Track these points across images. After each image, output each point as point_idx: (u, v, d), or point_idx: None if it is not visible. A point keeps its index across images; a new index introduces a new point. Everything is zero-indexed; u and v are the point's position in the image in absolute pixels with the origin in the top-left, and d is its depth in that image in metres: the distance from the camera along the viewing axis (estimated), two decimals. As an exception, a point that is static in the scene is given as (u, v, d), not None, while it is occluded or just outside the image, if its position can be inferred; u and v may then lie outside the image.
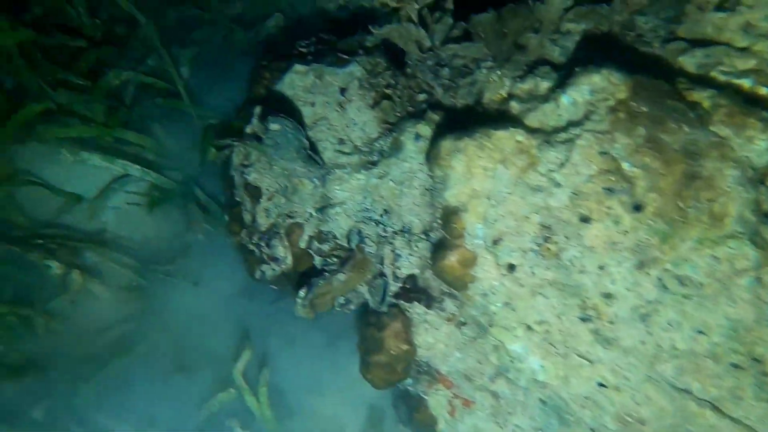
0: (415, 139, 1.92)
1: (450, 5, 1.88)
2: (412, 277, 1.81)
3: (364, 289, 1.91)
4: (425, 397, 1.77)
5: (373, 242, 1.91)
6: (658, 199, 1.36)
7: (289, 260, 1.97)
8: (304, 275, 1.92)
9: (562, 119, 1.59)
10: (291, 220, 1.98)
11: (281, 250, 1.97)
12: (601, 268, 1.43)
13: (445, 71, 2.01)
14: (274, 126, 1.81)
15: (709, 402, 1.36)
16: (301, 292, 1.74)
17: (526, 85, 1.77)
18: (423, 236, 1.87)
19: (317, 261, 1.94)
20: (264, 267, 2.07)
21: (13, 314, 1.93)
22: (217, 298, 2.23)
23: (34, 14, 2.61)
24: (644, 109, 1.40)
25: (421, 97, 2.09)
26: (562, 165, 1.49)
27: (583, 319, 1.48)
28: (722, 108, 1.40)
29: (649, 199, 1.37)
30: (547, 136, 1.57)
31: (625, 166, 1.40)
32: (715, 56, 1.52)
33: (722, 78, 1.50)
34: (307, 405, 2.01)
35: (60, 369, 1.99)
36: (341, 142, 2.08)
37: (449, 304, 1.70)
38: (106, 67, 2.53)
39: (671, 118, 1.37)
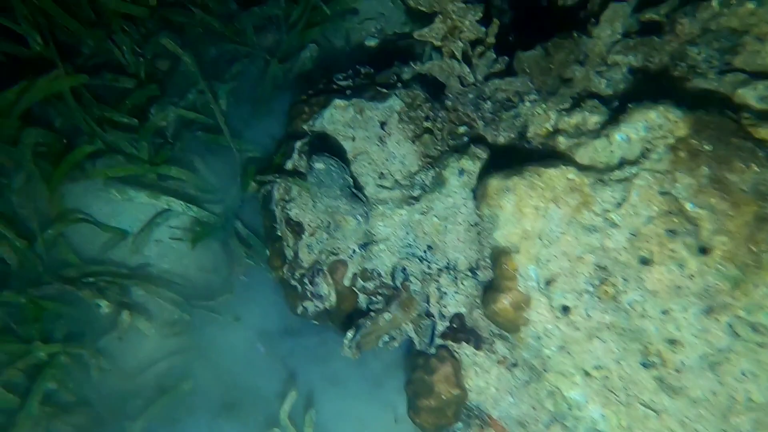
0: (458, 174, 1.90)
1: (492, 39, 1.87)
2: (459, 317, 1.78)
3: (409, 326, 1.88)
4: (475, 441, 1.72)
5: (418, 280, 1.88)
6: (727, 243, 1.29)
7: (333, 298, 1.96)
8: (350, 316, 1.90)
9: (614, 156, 1.55)
10: (334, 257, 1.97)
11: (325, 287, 1.96)
12: (664, 312, 1.37)
13: (487, 104, 2.00)
14: (318, 165, 1.81)
15: (789, 458, 1.27)
16: (349, 334, 1.72)
17: (574, 119, 1.74)
18: (469, 273, 1.83)
19: (362, 299, 1.92)
20: (306, 303, 2.07)
21: (65, 353, 1.97)
22: (259, 334, 2.23)
23: (82, 54, 2.72)
24: (707, 147, 1.35)
25: (462, 129, 2.07)
26: (618, 205, 1.44)
27: (646, 366, 1.41)
28: (792, 145, 1.33)
29: (716, 242, 1.31)
30: (600, 174, 1.53)
31: (688, 207, 1.34)
32: (780, 89, 1.46)
33: (789, 112, 1.44)
34: (353, 446, 1.98)
35: (108, 407, 2.02)
36: (382, 176, 2.08)
37: (500, 346, 1.66)
38: (150, 104, 2.61)
39: (738, 156, 1.31)
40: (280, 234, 2.20)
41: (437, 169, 1.97)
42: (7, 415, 1.95)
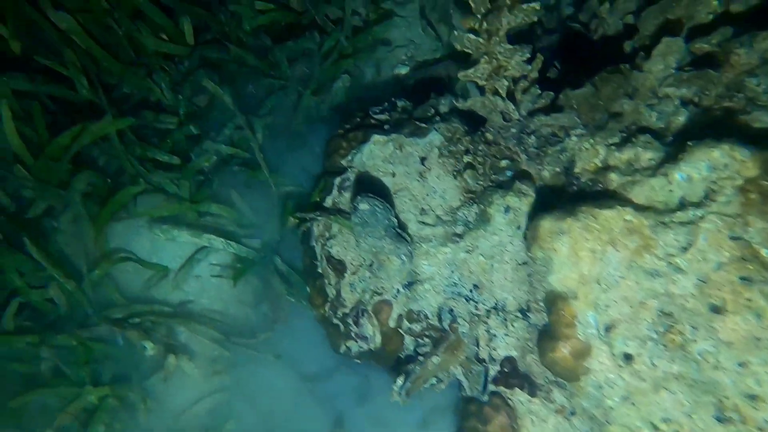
0: (504, 211, 1.86)
1: (535, 74, 1.84)
2: (510, 360, 1.72)
3: (457, 369, 1.83)
4: (532, 491, 1.65)
5: (466, 321, 1.83)
6: (809, 293, 1.21)
7: (378, 339, 1.92)
8: (396, 357, 1.86)
9: (674, 196, 1.49)
10: (378, 297, 1.94)
11: (370, 328, 1.93)
12: (742, 365, 1.29)
13: (531, 138, 1.96)
14: (363, 206, 1.80)
15: None
16: (399, 381, 1.68)
17: (625, 155, 1.68)
18: (519, 315, 1.78)
19: (408, 341, 1.89)
20: (350, 343, 2.04)
21: (114, 396, 1.98)
22: (301, 372, 2.20)
23: (122, 92, 2.80)
24: (781, 190, 1.28)
25: (504, 163, 2.03)
26: (684, 249, 1.38)
27: (721, 420, 1.33)
28: None
29: (796, 291, 1.23)
30: (659, 215, 1.46)
31: (764, 253, 1.27)
32: None
33: None
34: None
35: (154, 448, 2.02)
36: (423, 212, 2.05)
37: (557, 394, 1.59)
38: (190, 141, 2.66)
39: (816, 200, 1.24)
40: (321, 271, 2.18)
41: (481, 205, 1.94)
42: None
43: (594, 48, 2.33)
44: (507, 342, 1.75)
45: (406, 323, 1.88)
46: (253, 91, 2.97)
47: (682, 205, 1.45)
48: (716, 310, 1.32)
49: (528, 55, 1.60)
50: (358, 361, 2.09)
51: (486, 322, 1.80)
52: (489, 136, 2.07)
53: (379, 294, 1.95)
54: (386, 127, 2.26)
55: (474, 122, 2.17)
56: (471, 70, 1.70)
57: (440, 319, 1.84)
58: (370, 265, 2.00)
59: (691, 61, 1.72)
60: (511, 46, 1.60)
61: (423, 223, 2.02)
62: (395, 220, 1.83)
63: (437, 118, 2.22)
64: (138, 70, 2.73)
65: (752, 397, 1.28)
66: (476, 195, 2.01)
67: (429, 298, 1.88)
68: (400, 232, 1.84)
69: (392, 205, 1.89)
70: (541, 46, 2.49)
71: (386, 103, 2.44)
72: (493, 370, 1.73)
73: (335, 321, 2.09)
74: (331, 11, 3.09)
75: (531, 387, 1.64)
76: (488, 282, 1.85)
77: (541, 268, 1.59)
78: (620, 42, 2.08)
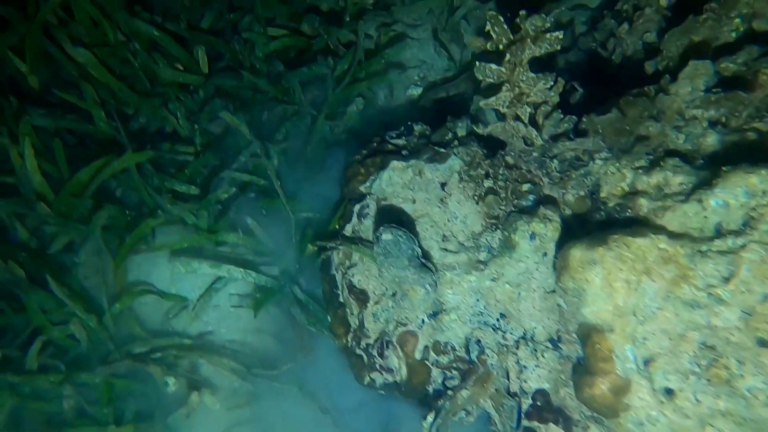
0: (530, 238, 1.82)
1: (556, 98, 1.81)
2: (543, 394, 1.67)
3: (487, 402, 1.77)
4: None
5: (494, 352, 1.79)
6: None
7: (404, 372, 1.88)
8: (423, 390, 1.82)
9: (709, 223, 1.44)
10: (403, 328, 1.91)
11: (395, 360, 1.89)
12: (793, 403, 1.23)
13: (554, 163, 1.92)
14: (386, 236, 1.77)
15: None
16: (429, 418, 1.64)
17: (654, 179, 1.64)
18: (549, 345, 1.73)
19: (435, 373, 1.84)
20: (374, 375, 2.00)
21: (137, 434, 1.96)
22: (324, 404, 2.16)
23: (138, 122, 2.82)
24: (826, 217, 1.23)
25: (526, 187, 2.00)
26: (725, 280, 1.33)
27: (773, 461, 1.27)
28: None
29: None
30: (696, 243, 1.42)
31: (812, 285, 1.22)
32: None
33: None
34: None
35: (178, 487, 1.99)
36: (445, 238, 2.02)
37: (594, 431, 1.53)
38: (207, 170, 2.66)
39: None
40: (342, 301, 2.15)
41: (505, 232, 1.90)
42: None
43: (611, 67, 2.31)
44: (538, 374, 1.70)
45: (432, 355, 1.84)
46: (267, 117, 2.98)
47: (720, 233, 1.40)
48: (765, 344, 1.26)
49: (552, 83, 1.58)
50: (383, 392, 2.04)
51: (515, 353, 1.75)
52: (509, 159, 2.04)
53: (404, 324, 1.91)
54: (404, 152, 2.24)
55: (492, 145, 2.15)
56: (492, 99, 1.68)
57: (468, 351, 1.80)
58: (393, 295, 1.97)
59: (718, 81, 1.68)
60: (534, 75, 1.57)
61: (445, 250, 1.98)
62: (419, 250, 1.80)
63: (455, 142, 2.19)
64: (153, 101, 2.76)
65: (807, 437, 1.22)
66: (499, 220, 1.97)
67: (455, 329, 1.84)
68: (424, 262, 1.81)
69: (415, 234, 1.86)
70: (558, 67, 2.47)
71: (402, 128, 2.42)
72: (525, 403, 1.68)
73: (358, 352, 2.06)
74: (343, 35, 3.11)
75: (566, 422, 1.58)
76: (516, 311, 1.81)
77: (572, 299, 1.55)
78: (640, 62, 2.06)
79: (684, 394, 1.37)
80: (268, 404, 2.22)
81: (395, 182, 2.15)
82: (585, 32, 2.62)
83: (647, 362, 1.41)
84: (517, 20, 1.56)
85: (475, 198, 2.04)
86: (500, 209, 2.00)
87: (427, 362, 1.84)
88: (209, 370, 2.27)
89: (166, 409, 2.08)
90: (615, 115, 1.66)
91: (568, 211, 1.86)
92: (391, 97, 3.17)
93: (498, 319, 1.83)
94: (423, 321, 1.89)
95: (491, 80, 1.60)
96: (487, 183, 2.04)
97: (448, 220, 2.05)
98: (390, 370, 1.92)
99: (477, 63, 1.60)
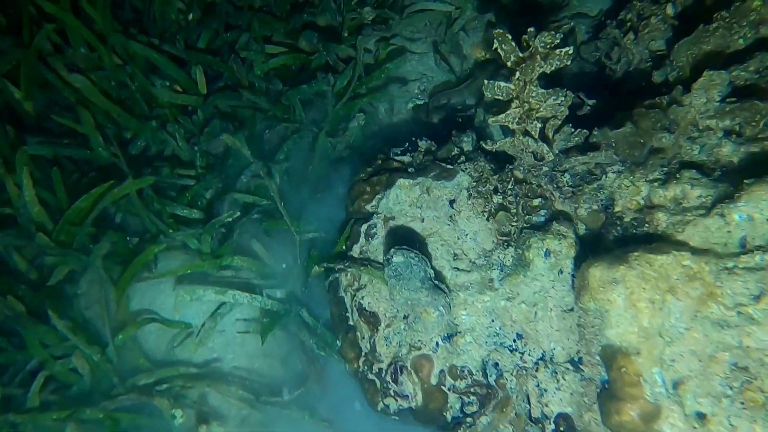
0: (544, 255, 1.77)
1: (565, 112, 1.77)
2: (565, 419, 1.61)
3: (508, 428, 1.71)
4: None
5: (513, 375, 1.73)
6: None
7: (420, 398, 1.82)
8: (445, 421, 1.76)
9: (733, 238, 1.40)
10: (416, 352, 1.85)
11: (410, 386, 1.83)
12: (834, 427, 1.18)
13: (565, 177, 1.88)
14: (397, 258, 1.72)
15: None
16: (449, 448, 1.58)
17: (670, 192, 1.60)
18: (570, 367, 1.67)
19: (452, 398, 1.78)
20: (388, 400, 1.93)
21: (144, 474, 1.89)
22: (338, 430, 2.10)
23: (137, 146, 2.77)
24: None
25: (537, 202, 1.95)
26: (756, 298, 1.28)
27: (815, 487, 1.21)
28: None
29: None
30: (721, 260, 1.37)
31: None
32: None
33: None
34: None
35: None
36: (456, 257, 1.97)
37: (623, 457, 1.47)
38: (209, 192, 2.61)
39: None
40: (352, 324, 2.09)
41: (519, 249, 1.85)
42: None
43: (616, 77, 2.28)
44: (560, 397, 1.64)
45: (449, 380, 1.78)
46: (268, 136, 2.94)
47: (745, 248, 1.36)
48: (800, 365, 1.21)
49: (562, 98, 1.54)
50: (397, 418, 1.98)
51: (535, 376, 1.69)
52: (518, 174, 2.00)
53: (418, 348, 1.85)
54: (410, 169, 2.20)
55: (500, 159, 2.11)
56: (502, 116, 1.64)
57: (485, 374, 1.74)
58: (406, 317, 1.91)
59: (731, 91, 1.65)
60: (544, 91, 1.54)
61: (457, 269, 1.93)
62: (431, 272, 1.75)
63: (462, 158, 2.15)
64: (152, 124, 2.71)
65: None
66: (511, 237, 1.92)
67: (471, 352, 1.78)
68: (437, 283, 1.76)
69: (427, 255, 1.81)
70: (562, 77, 2.44)
71: (407, 144, 2.38)
72: (548, 429, 1.62)
73: (371, 376, 1.99)
74: (342, 51, 3.08)
75: (592, 448, 1.52)
76: (533, 331, 1.75)
77: (594, 320, 1.49)
78: (647, 72, 2.03)
79: (717, 419, 1.31)
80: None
81: (402, 200, 2.11)
82: (587, 41, 2.60)
83: (676, 385, 1.36)
84: (525, 37, 1.53)
85: (485, 214, 1.99)
86: (512, 225, 1.95)
87: (443, 387, 1.78)
88: (217, 399, 2.20)
89: (174, 443, 2.01)
90: (629, 129, 1.63)
91: (582, 227, 1.82)
92: (392, 112, 3.14)
93: (515, 340, 1.77)
94: (437, 344, 1.84)
95: (501, 98, 1.56)
96: (497, 199, 2.00)
97: (459, 238, 2.00)
98: (405, 396, 1.85)
99: (486, 81, 1.56)
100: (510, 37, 1.52)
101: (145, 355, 2.28)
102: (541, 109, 1.64)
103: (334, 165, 2.85)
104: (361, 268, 2.02)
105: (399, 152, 2.36)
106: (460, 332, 1.82)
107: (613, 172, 1.78)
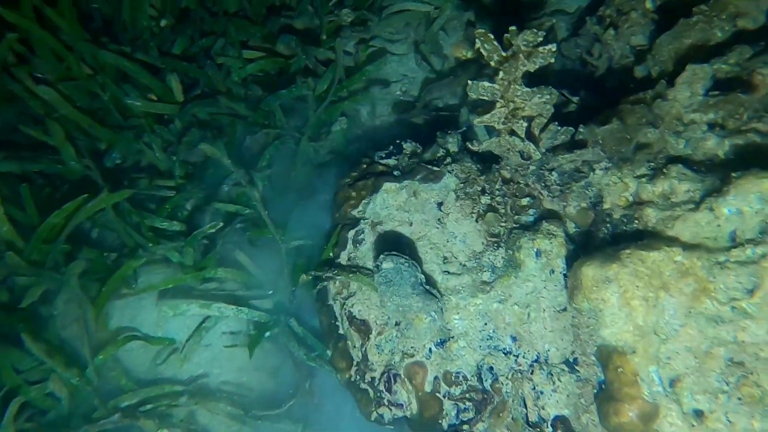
0: (535, 256, 1.75)
1: (551, 110, 1.75)
2: (563, 421, 1.58)
3: (505, 433, 1.68)
4: None
5: (508, 379, 1.70)
6: None
7: (414, 406, 1.78)
8: (440, 429, 1.72)
9: (723, 232, 1.39)
10: (410, 359, 1.81)
11: (404, 394, 1.79)
12: (832, 419, 1.17)
13: (553, 175, 1.87)
14: (387, 264, 1.68)
15: None
16: (447, 458, 1.54)
17: (659, 188, 1.59)
18: (565, 368, 1.65)
19: (447, 405, 1.74)
20: (382, 410, 1.89)
21: (130, 500, 1.81)
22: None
23: (112, 157, 2.68)
24: None
25: (525, 201, 1.93)
26: (749, 292, 1.27)
27: (815, 480, 1.20)
28: None
29: None
30: (713, 254, 1.36)
31: (841, 294, 1.16)
32: None
33: None
34: None
35: None
36: (446, 260, 1.93)
37: (623, 458, 1.45)
38: (189, 203, 2.53)
39: None
40: (343, 333, 2.04)
41: (509, 250, 1.82)
42: None
43: (598, 73, 2.28)
44: (556, 399, 1.62)
45: (443, 386, 1.74)
46: (249, 143, 2.87)
47: (736, 242, 1.35)
48: (795, 358, 1.20)
49: (548, 97, 1.52)
50: (392, 427, 1.93)
51: (530, 379, 1.67)
52: (506, 173, 1.98)
53: (410, 356, 1.81)
54: (396, 173, 2.16)
55: (486, 160, 2.08)
56: (487, 116, 1.61)
57: (480, 379, 1.71)
58: (397, 324, 1.87)
59: (713, 84, 1.65)
60: (529, 90, 1.51)
61: (447, 272, 1.90)
62: (422, 277, 1.71)
63: (448, 159, 2.12)
64: (127, 134, 2.62)
65: None
66: (500, 238, 1.90)
67: (465, 357, 1.75)
68: (428, 288, 1.72)
69: (417, 260, 1.77)
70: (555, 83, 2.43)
71: (391, 146, 2.34)
72: (546, 432, 1.59)
73: (363, 386, 1.94)
74: (321, 54, 3.03)
75: (591, 450, 1.50)
76: (527, 333, 1.73)
77: (588, 319, 1.47)
78: (629, 67, 2.03)
79: (715, 416, 1.30)
80: (271, 449, 2.08)
81: (389, 205, 2.07)
82: (567, 38, 2.60)
83: (673, 383, 1.34)
84: (507, 36, 1.50)
85: (474, 216, 1.97)
86: (501, 226, 1.92)
87: (438, 394, 1.75)
88: (205, 417, 2.13)
89: (162, 466, 1.93)
90: (616, 125, 1.61)
91: (571, 225, 1.80)
92: (374, 114, 3.10)
93: (509, 343, 1.74)
94: (430, 350, 1.80)
95: (486, 98, 1.53)
96: (485, 199, 1.97)
97: (448, 241, 1.97)
98: (399, 405, 1.81)
99: (469, 82, 1.53)
100: (492, 36, 1.50)
101: (128, 374, 2.20)
102: (527, 108, 1.62)
103: (318, 170, 2.80)
104: (350, 275, 1.97)
105: (384, 155, 2.32)
106: (453, 337, 1.79)
107: (600, 169, 1.77)
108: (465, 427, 1.62)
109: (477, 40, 1.46)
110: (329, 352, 2.12)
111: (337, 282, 2.08)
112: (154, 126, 2.63)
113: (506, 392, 1.69)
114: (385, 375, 1.85)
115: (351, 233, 2.11)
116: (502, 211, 1.94)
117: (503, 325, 1.76)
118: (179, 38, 2.87)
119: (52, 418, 1.94)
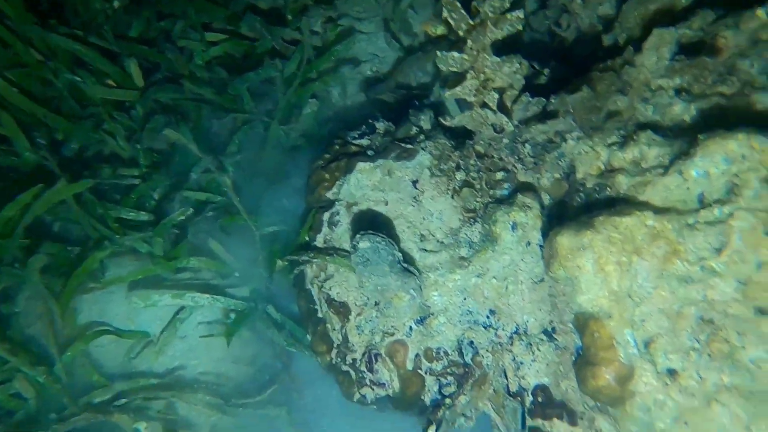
0: (511, 229, 1.75)
1: (522, 81, 1.74)
2: (543, 389, 1.60)
3: (486, 405, 1.69)
4: None
5: (488, 351, 1.71)
6: None
7: (397, 384, 1.77)
8: (423, 404, 1.72)
9: (692, 194, 1.41)
10: (390, 338, 1.80)
11: (386, 373, 1.78)
12: (797, 368, 1.21)
13: (526, 147, 1.86)
14: (364, 244, 1.65)
15: None
16: (430, 431, 1.54)
17: (629, 155, 1.60)
18: (544, 338, 1.67)
19: (429, 381, 1.74)
20: (364, 390, 1.88)
21: (108, 498, 1.76)
22: (316, 425, 2.02)
23: (71, 148, 2.55)
24: (809, 177, 1.21)
25: (500, 175, 1.93)
26: (717, 251, 1.30)
27: (783, 428, 1.25)
28: None
29: (844, 283, 1.16)
30: (683, 216, 1.38)
31: (804, 247, 1.20)
32: None
33: None
34: None
35: None
36: (423, 238, 1.92)
37: (601, 422, 1.48)
38: (157, 192, 2.44)
39: None
40: (322, 316, 2.02)
41: (486, 225, 1.82)
42: None
43: (567, 44, 2.27)
44: (536, 369, 1.64)
45: (425, 363, 1.74)
46: (217, 128, 2.77)
47: (704, 204, 1.37)
48: (764, 312, 1.24)
49: (518, 65, 1.50)
50: (375, 407, 1.93)
51: (510, 350, 1.68)
52: (479, 148, 1.96)
53: (391, 334, 1.80)
54: (369, 152, 2.12)
55: (459, 135, 2.07)
56: (458, 88, 1.58)
57: (461, 354, 1.71)
58: (377, 304, 1.85)
59: (680, 49, 1.66)
60: (498, 59, 1.49)
61: (425, 250, 1.88)
62: (400, 255, 1.69)
63: (422, 137, 2.10)
64: (85, 123, 2.50)
65: (815, 401, 1.20)
66: (476, 213, 1.89)
67: (446, 332, 1.74)
68: (406, 266, 1.70)
69: (393, 238, 1.75)
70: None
71: (364, 126, 2.30)
72: (527, 401, 1.61)
73: (345, 368, 1.93)
74: (287, 34, 2.94)
75: (570, 416, 1.53)
76: (505, 306, 1.73)
77: (564, 287, 1.48)
78: (597, 36, 2.03)
79: (687, 373, 1.33)
80: (254, 436, 2.06)
81: (364, 185, 2.03)
82: (535, 11, 2.58)
83: (647, 344, 1.37)
84: (475, 3, 1.47)
85: (449, 192, 1.95)
86: (476, 201, 1.92)
87: (420, 371, 1.74)
88: (184, 408, 2.08)
89: (140, 461, 1.88)
90: (586, 93, 1.61)
91: (546, 197, 1.81)
92: (345, 95, 3.03)
93: (488, 317, 1.75)
94: (411, 328, 1.79)
95: (456, 69, 1.50)
96: (460, 175, 1.96)
97: (424, 219, 1.95)
98: (381, 384, 1.80)
99: (438, 53, 1.50)
100: (459, 5, 1.46)
101: (100, 370, 2.12)
102: (497, 79, 1.60)
103: (290, 154, 2.73)
104: (327, 257, 1.93)
105: (357, 136, 2.27)
106: (433, 314, 1.78)
107: (572, 139, 1.77)
108: (447, 401, 1.62)
109: (444, 9, 1.42)
110: (309, 337, 2.09)
111: (314, 265, 2.05)
112: (114, 113, 2.51)
113: (487, 365, 1.69)
114: (366, 355, 1.83)
115: (326, 215, 2.07)
116: (478, 186, 1.93)
117: (482, 299, 1.77)
118: (135, 21, 2.73)
119: (21, 418, 1.86)
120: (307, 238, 2.10)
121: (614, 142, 1.67)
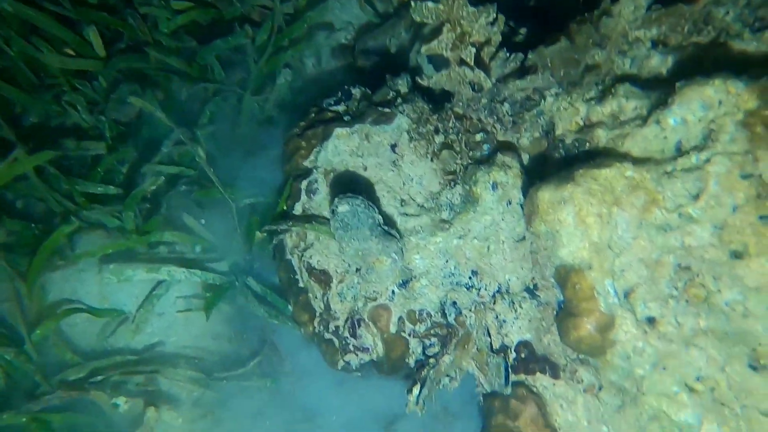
0: (492, 188, 1.74)
1: (498, 36, 1.70)
2: (526, 345, 1.61)
3: (471, 364, 1.70)
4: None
5: (471, 311, 1.71)
6: (830, 222, 1.17)
7: (380, 348, 1.76)
8: (402, 363, 1.71)
9: (670, 143, 1.41)
10: (373, 303, 1.78)
11: (369, 338, 1.77)
12: (771, 309, 1.24)
13: (504, 107, 1.83)
14: (342, 208, 1.61)
15: None
16: (414, 390, 1.54)
17: (607, 108, 1.60)
18: (526, 295, 1.67)
19: (413, 343, 1.73)
20: (348, 357, 1.86)
21: (89, 474, 1.71)
22: (302, 394, 2.01)
23: (30, 121, 2.42)
24: (784, 120, 1.22)
25: (479, 137, 1.90)
26: (695, 197, 1.30)
27: (756, 369, 1.28)
28: None
29: (816, 222, 1.18)
30: (661, 165, 1.38)
31: (779, 189, 1.21)
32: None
33: None
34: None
35: None
36: (403, 203, 1.89)
37: (582, 372, 1.50)
38: (125, 165, 2.34)
39: (821, 125, 1.19)
40: (303, 285, 1.98)
41: (466, 186, 1.80)
42: None
43: (543, 2, 2.24)
44: (519, 326, 1.64)
45: (408, 325, 1.73)
46: (187, 99, 2.66)
47: (682, 151, 1.37)
48: (738, 255, 1.25)
49: (494, 15, 1.46)
50: (360, 374, 1.92)
51: (493, 309, 1.68)
52: (458, 110, 1.93)
53: (373, 299, 1.78)
54: (347, 118, 2.07)
55: (438, 98, 2.03)
56: (435, 43, 1.54)
57: (444, 315, 1.71)
58: (358, 270, 1.82)
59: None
60: (474, 9, 1.45)
61: (406, 214, 1.86)
62: (380, 218, 1.66)
63: (399, 100, 2.05)
64: (43, 95, 2.36)
65: (787, 339, 1.23)
66: (456, 175, 1.87)
67: (428, 294, 1.73)
68: (387, 229, 1.67)
69: (374, 202, 1.72)
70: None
71: (339, 93, 2.23)
72: (510, 357, 1.62)
73: (328, 336, 1.91)
74: (257, 0, 2.82)
75: (552, 369, 1.54)
76: (487, 266, 1.73)
77: (546, 242, 1.48)
78: (575, -8, 1.99)
79: (666, 320, 1.35)
80: (239, 407, 2.03)
81: (342, 151, 1.98)
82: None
83: (627, 294, 1.38)
84: (450, -49, 1.42)
85: (429, 155, 1.92)
86: (456, 163, 1.89)
87: (403, 334, 1.73)
88: (166, 384, 2.04)
89: (121, 435, 1.84)
90: (564, 44, 1.59)
91: (526, 156, 1.79)
92: (320, 64, 2.95)
93: (470, 277, 1.74)
94: (393, 292, 1.77)
95: (430, 21, 1.45)
96: (439, 138, 1.92)
97: (404, 183, 1.92)
98: (365, 349, 1.79)
99: (413, 3, 1.44)
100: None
101: (74, 349, 2.05)
102: (474, 32, 1.56)
103: (265, 125, 2.65)
104: (306, 225, 1.89)
105: (332, 102, 2.21)
106: (415, 277, 1.76)
107: (551, 96, 1.75)
108: (431, 361, 1.62)
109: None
110: (291, 308, 2.06)
111: (294, 235, 2.00)
112: (76, 83, 2.38)
113: (470, 324, 1.69)
114: (349, 321, 1.81)
115: (304, 184, 2.02)
116: (457, 148, 1.90)
117: (464, 260, 1.76)
118: (94, -15, 2.57)
119: (-10, 402, 1.79)
120: (285, 208, 2.05)
121: (593, 97, 1.66)
